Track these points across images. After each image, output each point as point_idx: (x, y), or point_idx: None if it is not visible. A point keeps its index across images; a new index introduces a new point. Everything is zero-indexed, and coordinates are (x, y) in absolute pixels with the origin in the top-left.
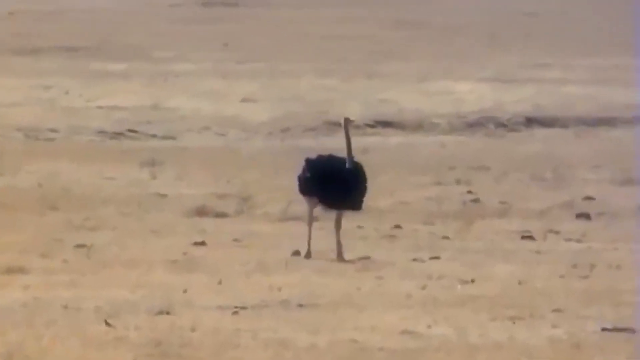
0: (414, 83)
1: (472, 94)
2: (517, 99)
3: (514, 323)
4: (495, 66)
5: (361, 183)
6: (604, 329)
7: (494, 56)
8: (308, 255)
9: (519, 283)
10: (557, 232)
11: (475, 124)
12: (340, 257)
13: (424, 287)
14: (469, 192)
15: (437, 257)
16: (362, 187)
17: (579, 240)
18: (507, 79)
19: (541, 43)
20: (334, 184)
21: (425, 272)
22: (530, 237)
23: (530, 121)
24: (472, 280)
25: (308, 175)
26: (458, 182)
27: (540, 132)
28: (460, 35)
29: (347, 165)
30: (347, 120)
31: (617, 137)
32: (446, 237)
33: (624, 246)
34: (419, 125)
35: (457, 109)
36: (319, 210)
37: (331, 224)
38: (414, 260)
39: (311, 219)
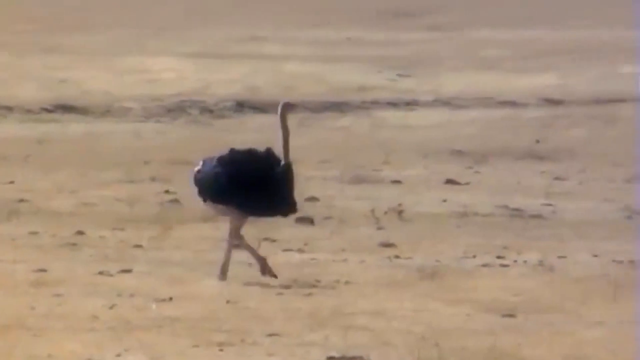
0: (101, 59)
1: (171, 73)
2: (226, 80)
3: (222, 350)
4: (199, 39)
5: (291, 181)
6: (330, 358)
7: (197, 28)
8: (223, 276)
9: (228, 302)
10: (273, 241)
11: (175, 109)
12: (223, 274)
13: (112, 307)
14: (167, 191)
15: (128, 270)
16: (292, 185)
17: (300, 250)
18: (214, 55)
19: (255, 12)
20: (261, 184)
21: (114, 289)
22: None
23: (242, 106)
24: (170, 299)
25: (220, 174)
26: (154, 179)
27: (254, 119)
28: (158, 3)
29: (283, 162)
30: (286, 106)
31: (347, 127)
32: (139, 246)
33: (354, 257)
34: (106, 111)
35: (153, 91)
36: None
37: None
38: (100, 273)
39: (236, 234)
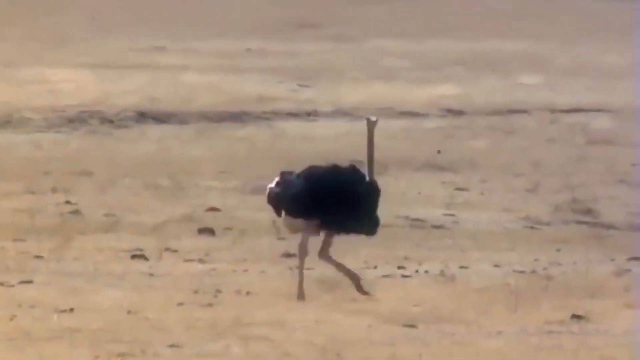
0: (0, 70)
1: (71, 84)
2: (126, 90)
3: None
4: (99, 50)
5: (376, 198)
6: None
7: (97, 38)
8: (301, 296)
9: (128, 312)
10: (174, 251)
11: (75, 120)
12: (300, 294)
13: (12, 318)
14: (68, 202)
15: (28, 281)
16: (376, 202)
17: (201, 261)
18: (115, 65)
19: (154, 23)
20: (347, 201)
21: (15, 300)
22: (142, 257)
23: (143, 116)
24: (71, 310)
25: (300, 189)
26: (54, 190)
27: (154, 130)
28: (57, 14)
29: (368, 178)
30: (370, 122)
31: (248, 137)
32: (40, 257)
33: (254, 268)
34: (6, 121)
35: (54, 102)
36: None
37: None
38: (1, 284)
39: (305, 249)
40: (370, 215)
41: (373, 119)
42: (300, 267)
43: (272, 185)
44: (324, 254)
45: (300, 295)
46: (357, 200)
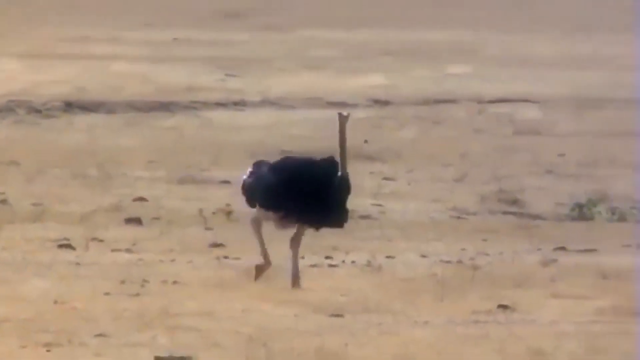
0: None
1: None
2: (54, 79)
3: (49, 351)
4: (27, 39)
5: (347, 192)
6: (157, 358)
7: (25, 28)
8: (297, 284)
9: (55, 302)
10: (101, 241)
11: (2, 110)
12: (296, 283)
13: None
14: None
15: None
16: (346, 196)
17: (128, 250)
18: (43, 55)
19: (82, 12)
20: (317, 193)
21: None
22: (69, 247)
23: (71, 106)
24: None
25: (273, 181)
26: None
27: (82, 120)
28: None
29: (340, 172)
30: (342, 117)
31: (176, 127)
32: None
33: (182, 258)
34: None
35: None
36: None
37: None
38: None
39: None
40: (341, 208)
41: (344, 113)
42: (294, 257)
43: (245, 175)
44: (294, 244)
45: (296, 283)
46: (330, 194)
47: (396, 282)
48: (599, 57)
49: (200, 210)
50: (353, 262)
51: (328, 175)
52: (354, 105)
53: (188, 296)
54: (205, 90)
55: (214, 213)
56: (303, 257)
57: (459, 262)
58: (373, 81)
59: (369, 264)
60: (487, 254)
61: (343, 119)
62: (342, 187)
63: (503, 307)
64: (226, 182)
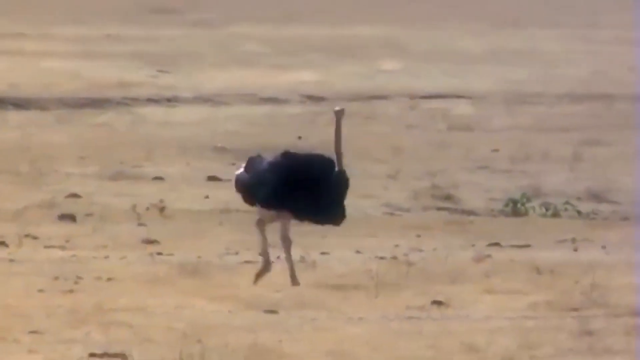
0: None
1: None
2: None
3: None
4: None
5: (345, 188)
6: (91, 355)
7: None
8: (295, 281)
9: None
10: (35, 237)
11: None
12: (294, 280)
13: None
14: None
15: None
16: (344, 193)
17: (62, 247)
18: None
19: (12, 8)
20: (315, 190)
21: None
22: (2, 244)
23: (2, 102)
24: None
25: (275, 183)
26: None
27: (14, 116)
28: None
29: (337, 168)
30: (338, 112)
31: (107, 123)
32: None
33: (115, 254)
34: None
35: None
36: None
37: None
38: None
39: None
40: (338, 205)
41: (340, 108)
42: (288, 255)
43: (239, 171)
44: (286, 242)
45: (294, 281)
46: (327, 191)
47: (330, 278)
48: (529, 52)
49: (134, 207)
50: None
51: (326, 171)
52: (287, 101)
53: (122, 292)
54: (137, 87)
55: (147, 209)
56: (237, 253)
57: (394, 258)
58: (305, 77)
59: (302, 260)
60: (421, 250)
61: (339, 114)
62: (339, 183)
63: (437, 302)
64: (159, 178)
